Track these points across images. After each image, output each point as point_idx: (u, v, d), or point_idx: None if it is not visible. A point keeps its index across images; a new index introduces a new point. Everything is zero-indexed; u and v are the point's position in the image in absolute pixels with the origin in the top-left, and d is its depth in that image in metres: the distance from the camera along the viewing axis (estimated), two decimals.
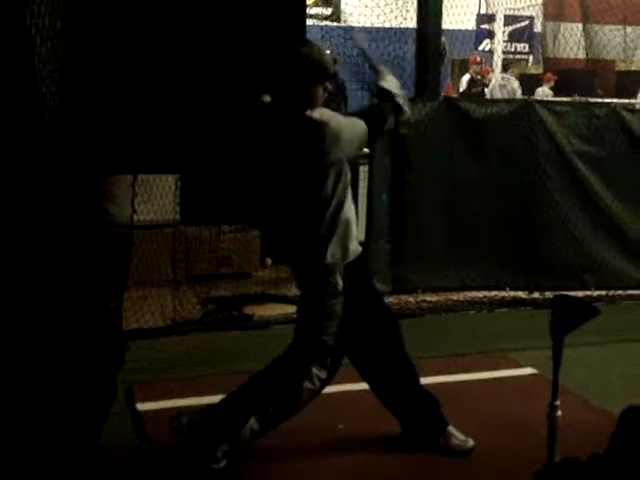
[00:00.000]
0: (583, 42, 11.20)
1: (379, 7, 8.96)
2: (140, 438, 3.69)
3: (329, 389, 4.17)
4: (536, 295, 6.02)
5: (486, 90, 12.56)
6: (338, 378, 4.30)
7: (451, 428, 3.54)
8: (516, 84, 12.36)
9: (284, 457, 3.50)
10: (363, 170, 6.14)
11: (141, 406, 3.98)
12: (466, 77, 13.05)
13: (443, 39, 6.61)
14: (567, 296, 3.09)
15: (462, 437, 3.53)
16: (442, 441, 3.52)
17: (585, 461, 2.31)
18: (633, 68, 12.43)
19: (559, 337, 2.95)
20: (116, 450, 3.52)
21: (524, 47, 14.64)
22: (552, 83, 12.62)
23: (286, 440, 3.55)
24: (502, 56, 13.23)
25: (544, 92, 12.57)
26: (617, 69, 12.54)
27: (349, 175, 3.32)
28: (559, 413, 3.01)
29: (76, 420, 3.25)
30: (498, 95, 11.86)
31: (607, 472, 2.19)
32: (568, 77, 12.26)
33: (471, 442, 3.52)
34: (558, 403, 3.01)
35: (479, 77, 12.80)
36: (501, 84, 12.41)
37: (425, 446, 3.53)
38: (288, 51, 3.29)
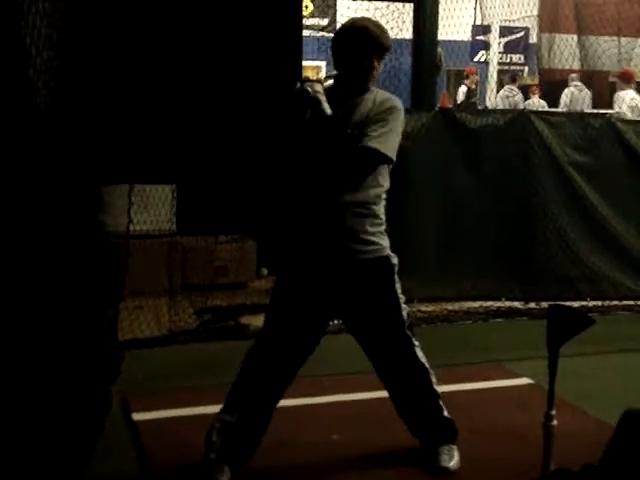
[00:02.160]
0: (578, 53, 11.25)
1: (375, 18, 9.01)
2: (136, 448, 3.68)
3: (323, 399, 4.19)
4: (532, 305, 6.03)
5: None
6: (332, 389, 4.33)
7: (443, 448, 3.48)
8: (519, 96, 12.42)
9: (278, 468, 3.48)
10: None
11: (137, 416, 3.97)
12: (463, 88, 13.12)
13: (439, 50, 6.64)
14: (563, 306, 3.10)
15: (446, 464, 3.44)
16: (429, 458, 3.47)
17: (577, 471, 2.31)
18: None
19: (555, 347, 2.97)
20: (112, 460, 3.51)
21: (519, 58, 14.69)
22: (537, 94, 12.71)
23: (280, 450, 3.55)
24: (497, 67, 13.29)
25: (533, 103, 12.64)
26: (611, 80, 12.59)
27: None
28: (555, 422, 3.02)
29: (72, 430, 3.24)
30: (501, 106, 11.90)
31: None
32: (563, 88, 12.31)
33: (453, 467, 3.44)
34: (554, 412, 3.02)
35: (474, 87, 12.89)
36: (504, 95, 12.47)
37: (425, 449, 3.52)
38: (346, 25, 3.27)
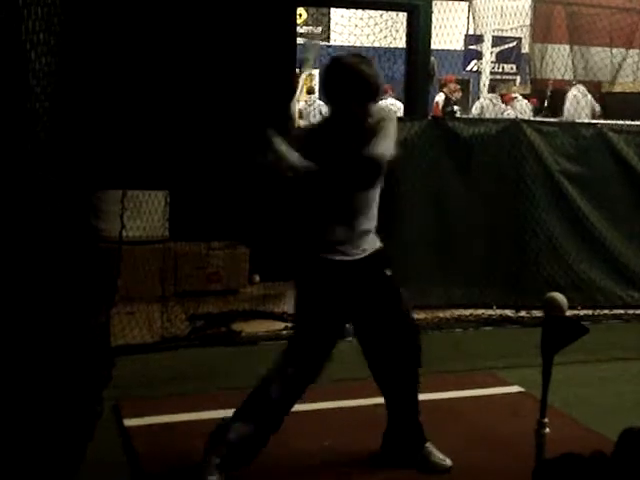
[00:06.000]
0: (570, 63, 11.32)
1: (369, 27, 9.04)
2: (127, 454, 3.67)
3: (315, 406, 4.20)
4: (523, 313, 6.05)
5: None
6: (323, 395, 4.33)
7: (429, 445, 3.53)
8: (500, 106, 12.46)
9: (269, 475, 3.48)
10: None
11: (128, 422, 3.97)
12: (440, 97, 12.86)
13: (432, 59, 6.67)
14: (558, 315, 3.11)
15: (441, 456, 3.50)
16: (420, 458, 3.50)
17: (587, 457, 2.31)
18: (618, 89, 12.58)
19: (549, 355, 2.98)
20: (103, 466, 3.50)
21: (511, 68, 14.76)
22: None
23: (272, 456, 3.54)
24: (490, 76, 13.32)
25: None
26: (604, 90, 12.67)
27: None
28: (547, 430, 3.03)
29: (63, 435, 3.24)
30: (487, 113, 11.95)
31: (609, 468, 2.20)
32: (557, 98, 12.38)
33: (449, 462, 3.49)
34: (546, 420, 3.03)
35: (457, 96, 12.80)
36: (488, 104, 12.50)
37: (405, 461, 3.52)
38: (345, 66, 3.21)
